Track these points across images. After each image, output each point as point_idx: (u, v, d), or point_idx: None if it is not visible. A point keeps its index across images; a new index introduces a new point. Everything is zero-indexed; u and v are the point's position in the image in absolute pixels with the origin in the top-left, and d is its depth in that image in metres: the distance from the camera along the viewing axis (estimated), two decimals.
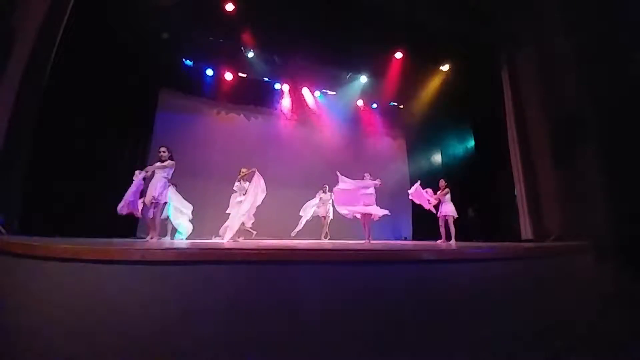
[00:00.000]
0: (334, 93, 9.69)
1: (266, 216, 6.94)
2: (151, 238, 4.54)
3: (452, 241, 5.74)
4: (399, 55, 7.84)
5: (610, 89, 4.40)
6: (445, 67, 8.30)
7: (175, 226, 5.86)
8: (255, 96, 9.07)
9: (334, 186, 5.85)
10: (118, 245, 2.42)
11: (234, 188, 5.80)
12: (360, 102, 9.90)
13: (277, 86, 9.15)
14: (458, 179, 8.14)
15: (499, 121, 6.55)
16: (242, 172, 5.82)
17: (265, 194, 5.35)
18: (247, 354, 1.76)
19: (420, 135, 10.11)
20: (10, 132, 4.02)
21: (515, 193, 6.12)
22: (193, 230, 6.04)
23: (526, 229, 5.72)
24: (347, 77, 9.06)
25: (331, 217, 7.25)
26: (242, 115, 9.21)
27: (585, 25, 4.71)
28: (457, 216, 5.85)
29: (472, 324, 2.10)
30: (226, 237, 5.03)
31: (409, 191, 6.33)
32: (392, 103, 10.22)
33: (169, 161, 4.60)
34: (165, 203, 4.81)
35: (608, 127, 4.40)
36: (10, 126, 4.02)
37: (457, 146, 8.75)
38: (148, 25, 6.50)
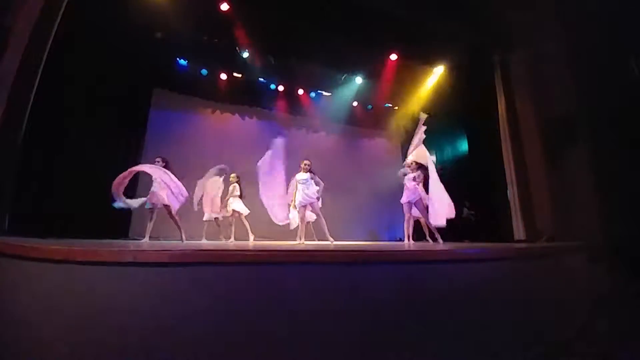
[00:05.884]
0: (329, 94, 9.70)
1: (260, 217, 6.92)
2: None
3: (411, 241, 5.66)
4: (393, 56, 7.88)
5: (602, 90, 4.46)
6: (439, 69, 8.36)
7: None
8: (250, 96, 9.03)
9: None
10: (110, 246, 2.39)
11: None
12: (355, 103, 9.93)
13: (272, 87, 9.14)
14: (452, 179, 8.19)
15: (492, 122, 6.61)
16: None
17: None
18: (240, 356, 1.75)
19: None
20: (2, 131, 3.98)
21: (508, 194, 6.18)
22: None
23: (519, 229, 5.78)
24: (342, 78, 9.07)
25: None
26: (236, 115, 9.18)
27: (578, 27, 4.78)
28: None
29: (463, 324, 2.11)
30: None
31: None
32: (386, 104, 10.26)
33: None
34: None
35: (600, 129, 4.45)
36: (1, 125, 3.97)
37: (451, 147, 8.81)
38: (142, 25, 6.45)
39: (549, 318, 2.39)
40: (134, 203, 4.96)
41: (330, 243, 5.07)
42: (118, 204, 4.70)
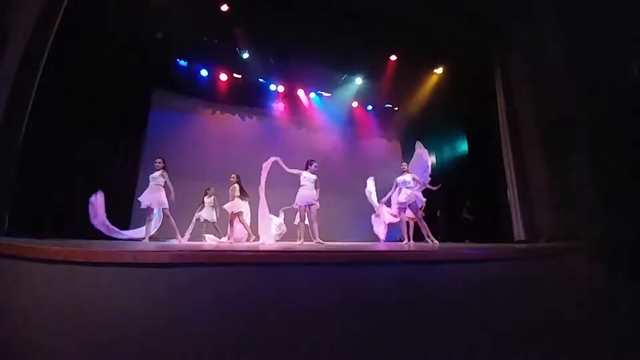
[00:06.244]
0: (329, 95, 9.70)
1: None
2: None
3: (411, 242, 5.77)
4: (393, 57, 7.87)
5: (603, 91, 4.46)
6: (439, 70, 8.36)
7: None
8: (250, 97, 9.05)
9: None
10: (110, 246, 2.40)
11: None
12: (355, 104, 9.93)
13: (272, 87, 9.13)
14: (452, 180, 8.20)
15: (492, 123, 6.60)
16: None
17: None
18: (240, 356, 1.75)
19: (414, 137, 10.13)
20: (2, 131, 3.97)
21: (508, 194, 6.17)
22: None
23: (519, 230, 5.76)
24: (342, 78, 9.07)
25: (215, 220, 6.62)
26: (236, 116, 9.19)
27: (579, 28, 4.77)
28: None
29: (463, 324, 2.11)
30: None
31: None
32: (387, 105, 10.26)
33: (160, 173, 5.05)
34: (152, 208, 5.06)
35: (600, 130, 4.45)
36: (1, 125, 3.96)
37: (451, 148, 8.80)
38: (142, 25, 6.45)
39: (549, 318, 2.39)
40: (134, 234, 5.11)
41: (314, 243, 5.11)
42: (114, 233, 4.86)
